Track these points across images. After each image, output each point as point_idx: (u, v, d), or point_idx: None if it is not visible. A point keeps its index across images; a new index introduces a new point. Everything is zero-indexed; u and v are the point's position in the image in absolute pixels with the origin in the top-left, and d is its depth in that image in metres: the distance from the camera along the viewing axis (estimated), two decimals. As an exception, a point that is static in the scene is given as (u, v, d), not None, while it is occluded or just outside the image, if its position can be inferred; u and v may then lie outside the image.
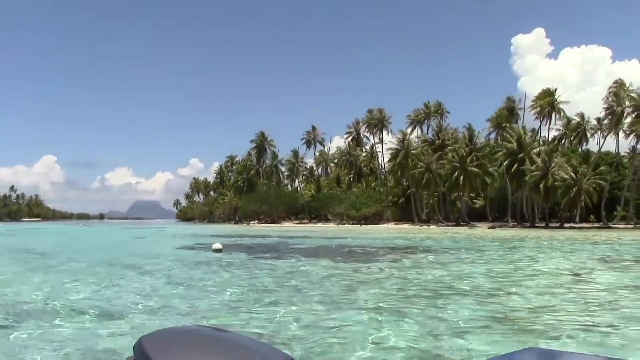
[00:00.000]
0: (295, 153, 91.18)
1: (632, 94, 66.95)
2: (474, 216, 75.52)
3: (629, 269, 17.32)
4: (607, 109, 65.39)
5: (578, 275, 15.33)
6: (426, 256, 21.83)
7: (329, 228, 65.42)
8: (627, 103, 66.14)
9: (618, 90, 65.00)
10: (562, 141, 78.01)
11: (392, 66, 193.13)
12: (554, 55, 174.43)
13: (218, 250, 24.81)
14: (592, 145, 75.74)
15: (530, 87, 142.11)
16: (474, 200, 78.63)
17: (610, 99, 65.47)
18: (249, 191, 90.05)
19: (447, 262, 19.04)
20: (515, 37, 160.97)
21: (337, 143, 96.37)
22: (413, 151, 71.50)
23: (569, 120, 74.93)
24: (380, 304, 9.64)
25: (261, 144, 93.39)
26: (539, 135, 77.18)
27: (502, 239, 36.05)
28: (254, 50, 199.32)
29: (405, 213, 77.36)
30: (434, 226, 68.44)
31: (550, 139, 79.26)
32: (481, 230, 57.58)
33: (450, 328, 7.63)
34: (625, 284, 13.11)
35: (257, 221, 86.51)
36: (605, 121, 66.58)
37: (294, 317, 8.39)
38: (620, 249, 26.93)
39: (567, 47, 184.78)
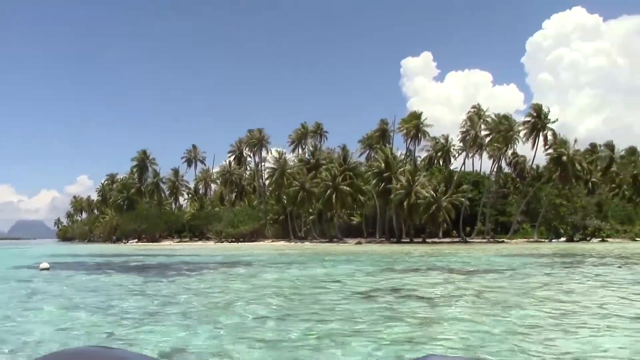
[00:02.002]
0: (176, 172, 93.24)
1: (488, 119, 75.35)
2: (352, 232, 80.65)
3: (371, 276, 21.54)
4: (463, 132, 73.13)
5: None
6: (235, 270, 25.29)
7: (203, 246, 67.76)
8: (483, 127, 74.30)
9: (472, 115, 72.90)
10: (433, 161, 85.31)
11: (283, 86, 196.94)
12: (440, 78, 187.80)
13: (45, 269, 26.86)
14: (467, 164, 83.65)
15: (418, 107, 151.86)
16: (352, 217, 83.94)
17: (467, 123, 73.28)
18: (130, 210, 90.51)
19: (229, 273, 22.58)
20: (404, 59, 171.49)
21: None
22: (289, 170, 75.71)
23: (436, 141, 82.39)
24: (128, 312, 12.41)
25: (143, 162, 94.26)
26: (410, 156, 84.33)
27: (337, 254, 40.42)
28: (140, 66, 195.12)
29: (286, 230, 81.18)
30: (307, 242, 72.63)
31: (421, 159, 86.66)
32: (343, 246, 62.26)
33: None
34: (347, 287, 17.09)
35: (137, 240, 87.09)
36: (461, 143, 74.37)
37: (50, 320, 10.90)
38: (410, 260, 31.78)
39: (452, 70, 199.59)
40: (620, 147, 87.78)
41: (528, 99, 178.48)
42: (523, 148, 79.19)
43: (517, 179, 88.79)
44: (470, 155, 78.38)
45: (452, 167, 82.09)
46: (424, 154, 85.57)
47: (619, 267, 24.84)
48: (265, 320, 10.39)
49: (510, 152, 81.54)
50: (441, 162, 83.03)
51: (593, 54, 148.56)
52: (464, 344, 8.13)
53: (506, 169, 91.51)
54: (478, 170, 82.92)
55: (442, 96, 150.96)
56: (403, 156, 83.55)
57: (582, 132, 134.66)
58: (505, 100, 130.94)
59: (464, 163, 79.48)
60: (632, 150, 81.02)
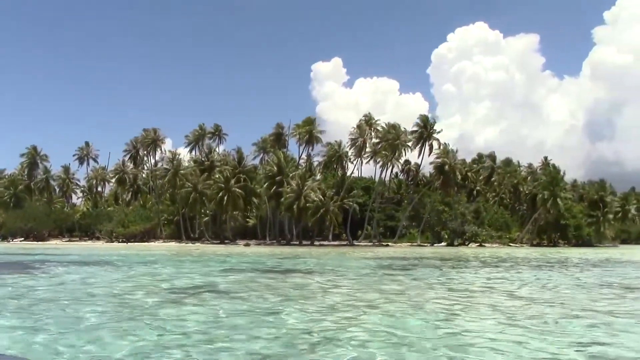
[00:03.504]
0: (66, 169, 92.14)
1: (378, 127, 79.82)
2: (248, 234, 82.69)
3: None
4: (352, 139, 77.21)
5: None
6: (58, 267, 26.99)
7: (87, 246, 67.78)
8: (372, 134, 78.63)
9: (362, 124, 77.10)
10: (329, 166, 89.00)
11: (189, 86, 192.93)
12: (349, 84, 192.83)
13: None
14: (366, 169, 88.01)
15: (327, 112, 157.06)
16: (247, 220, 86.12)
17: (356, 131, 77.41)
18: (17, 207, 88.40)
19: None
20: (315, 64, 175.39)
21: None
22: (182, 171, 77.01)
23: (331, 147, 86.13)
24: None
25: (32, 159, 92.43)
26: (306, 161, 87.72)
27: (200, 255, 42.66)
28: (27, 58, 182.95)
29: (180, 231, 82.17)
30: (199, 244, 74.16)
31: (316, 164, 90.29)
32: (228, 247, 64.35)
33: None
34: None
35: (23, 239, 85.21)
36: (352, 149, 78.53)
37: None
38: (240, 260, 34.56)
39: (361, 77, 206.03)
40: (515, 159, 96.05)
41: (433, 108, 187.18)
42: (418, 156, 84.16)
43: (412, 185, 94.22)
44: (364, 162, 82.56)
45: (349, 173, 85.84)
46: (321, 159, 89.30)
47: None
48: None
49: (403, 159, 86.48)
50: (335, 167, 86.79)
51: (493, 68, 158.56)
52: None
53: (401, 176, 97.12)
54: (374, 176, 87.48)
55: (351, 102, 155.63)
56: (301, 160, 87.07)
57: (481, 142, 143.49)
58: (411, 109, 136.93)
59: (356, 168, 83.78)
60: (507, 162, 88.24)
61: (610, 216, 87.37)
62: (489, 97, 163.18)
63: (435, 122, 79.95)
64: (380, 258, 39.72)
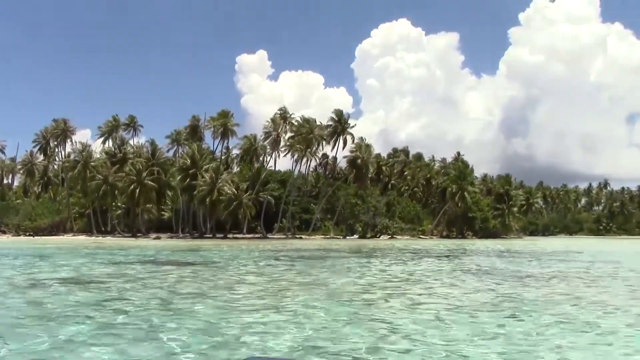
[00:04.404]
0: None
1: (293, 121, 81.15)
2: (163, 227, 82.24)
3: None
4: (266, 133, 78.30)
5: None
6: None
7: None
8: (287, 128, 79.86)
9: (276, 118, 78.24)
10: (246, 159, 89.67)
11: (104, 78, 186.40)
12: (274, 77, 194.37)
13: None
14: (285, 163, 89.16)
15: (252, 105, 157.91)
16: (162, 213, 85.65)
17: (270, 125, 78.47)
18: None
19: None
20: (239, 56, 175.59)
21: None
22: (92, 163, 75.78)
23: (247, 140, 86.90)
24: None
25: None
26: (224, 154, 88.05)
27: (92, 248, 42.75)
28: None
29: (92, 224, 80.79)
30: (110, 237, 73.28)
31: (235, 157, 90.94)
32: (132, 241, 64.17)
33: None
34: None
35: None
36: (266, 142, 79.67)
37: None
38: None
39: (286, 70, 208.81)
40: (435, 153, 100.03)
41: (357, 103, 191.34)
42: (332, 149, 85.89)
43: (331, 179, 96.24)
44: (281, 155, 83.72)
45: (268, 166, 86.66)
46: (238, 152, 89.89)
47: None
48: None
49: (320, 153, 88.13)
50: (251, 160, 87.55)
51: (415, 65, 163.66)
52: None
53: (319, 169, 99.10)
54: (292, 169, 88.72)
55: (276, 95, 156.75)
56: (219, 153, 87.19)
57: (403, 137, 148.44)
58: (335, 103, 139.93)
59: (268, 162, 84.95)
60: (418, 156, 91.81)
61: (515, 209, 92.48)
62: (411, 93, 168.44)
63: (349, 117, 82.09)
64: (276, 251, 41.13)
